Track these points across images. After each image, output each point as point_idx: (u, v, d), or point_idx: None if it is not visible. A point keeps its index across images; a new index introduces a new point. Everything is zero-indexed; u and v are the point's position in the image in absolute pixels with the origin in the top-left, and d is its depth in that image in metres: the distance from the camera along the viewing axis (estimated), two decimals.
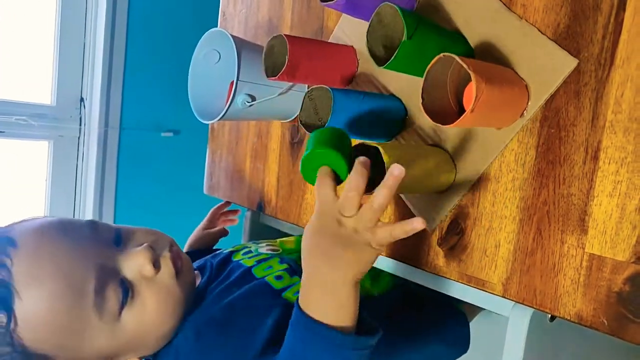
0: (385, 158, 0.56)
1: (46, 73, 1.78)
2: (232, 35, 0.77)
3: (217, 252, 0.81)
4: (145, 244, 0.60)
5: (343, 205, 0.50)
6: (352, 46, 0.76)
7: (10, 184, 1.82)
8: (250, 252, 0.78)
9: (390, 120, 0.69)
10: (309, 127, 0.65)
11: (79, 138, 1.83)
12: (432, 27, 0.59)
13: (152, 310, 0.59)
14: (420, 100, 0.54)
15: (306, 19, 0.85)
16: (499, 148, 0.60)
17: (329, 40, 0.80)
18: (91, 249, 0.57)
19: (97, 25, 1.78)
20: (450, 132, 0.64)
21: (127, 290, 0.57)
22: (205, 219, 1.02)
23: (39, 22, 1.77)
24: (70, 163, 1.83)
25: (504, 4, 0.59)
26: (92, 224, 0.60)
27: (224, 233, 1.02)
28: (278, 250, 0.79)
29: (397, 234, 0.50)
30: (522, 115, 0.58)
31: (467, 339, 0.82)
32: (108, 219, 1.83)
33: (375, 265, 0.66)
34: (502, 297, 0.59)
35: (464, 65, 0.49)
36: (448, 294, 0.68)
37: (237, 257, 0.76)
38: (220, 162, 1.07)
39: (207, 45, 0.86)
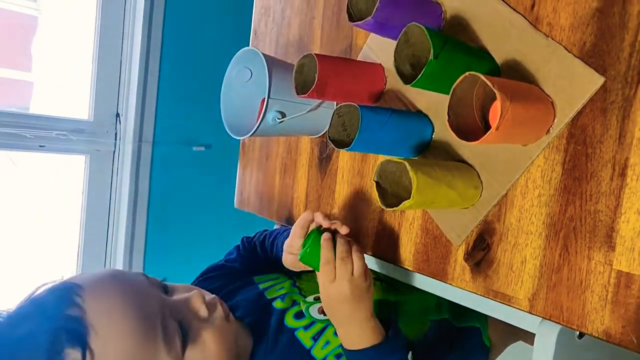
0: (411, 174, 0.57)
1: (84, 89, 1.85)
2: (264, 54, 0.80)
3: (265, 300, 0.77)
4: (195, 290, 0.65)
5: (323, 278, 0.67)
6: (380, 64, 0.77)
7: (49, 196, 1.88)
8: (302, 316, 0.76)
9: (417, 137, 0.70)
10: (337, 143, 0.66)
11: (114, 152, 1.89)
12: (458, 46, 0.60)
13: (211, 349, 0.61)
14: (447, 118, 0.55)
15: (335, 38, 0.88)
16: (524, 165, 0.60)
17: (357, 58, 0.82)
18: (150, 291, 0.60)
19: (133, 45, 1.85)
20: (477, 149, 0.65)
21: (187, 331, 0.60)
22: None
23: (78, 41, 1.85)
24: (106, 176, 1.88)
25: (530, 23, 0.60)
26: (143, 274, 0.64)
27: None
28: None
29: (358, 263, 0.67)
30: (548, 132, 0.58)
31: None
32: (140, 231, 1.87)
33: (407, 282, 0.79)
34: (529, 313, 0.59)
35: (489, 84, 0.50)
36: (476, 309, 0.68)
37: (291, 324, 0.74)
38: (250, 178, 1.10)
39: (240, 63, 0.89)
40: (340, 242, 0.67)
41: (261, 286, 0.80)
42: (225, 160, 1.89)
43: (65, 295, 0.54)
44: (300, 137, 0.96)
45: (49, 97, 1.91)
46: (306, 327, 0.73)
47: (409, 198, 0.57)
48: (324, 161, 0.89)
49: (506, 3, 0.62)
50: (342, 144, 0.66)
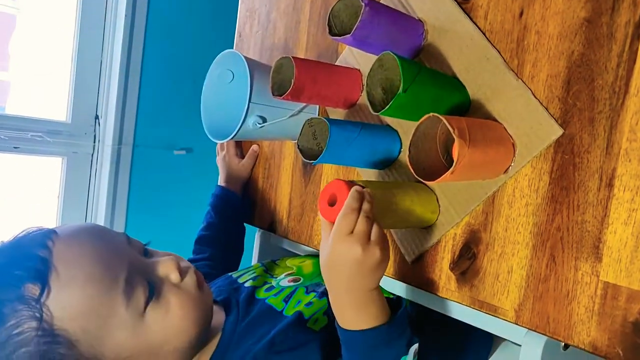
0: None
1: (63, 90, 1.81)
2: (245, 57, 0.79)
3: (237, 284, 0.79)
4: (171, 255, 0.65)
5: (341, 226, 0.56)
6: (358, 70, 0.76)
7: (23, 199, 1.83)
8: (272, 287, 0.77)
9: (384, 153, 0.70)
10: (306, 153, 0.66)
11: (92, 155, 1.84)
12: (430, 78, 0.60)
13: (175, 313, 0.60)
14: (407, 153, 0.55)
15: (321, 42, 0.87)
16: (482, 197, 0.61)
17: (338, 60, 0.81)
18: (125, 249, 0.61)
19: (114, 45, 1.81)
20: None
21: (154, 289, 0.59)
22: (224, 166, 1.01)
23: (57, 41, 1.81)
24: (83, 179, 1.84)
25: (504, 61, 0.60)
26: (125, 234, 0.64)
27: (255, 157, 1.00)
28: (299, 280, 0.78)
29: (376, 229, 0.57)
30: (506, 171, 0.59)
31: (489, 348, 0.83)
32: None
33: (391, 291, 0.75)
34: (515, 324, 0.58)
35: (450, 129, 0.51)
36: (460, 319, 0.67)
37: (262, 295, 0.74)
38: None
39: (221, 65, 0.87)
40: (366, 198, 0.57)
41: (234, 275, 0.82)
42: (206, 165, 1.86)
43: (39, 237, 0.57)
44: (284, 142, 0.94)
45: (26, 97, 1.86)
46: (276, 294, 0.74)
47: None
48: (308, 166, 0.88)
49: (486, 37, 0.62)
50: (311, 153, 0.65)
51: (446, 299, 0.65)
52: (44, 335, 0.53)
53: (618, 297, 0.51)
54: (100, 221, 1.81)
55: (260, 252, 1.02)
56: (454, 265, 0.64)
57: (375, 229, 0.56)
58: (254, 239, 1.03)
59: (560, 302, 0.55)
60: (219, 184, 1.01)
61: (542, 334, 0.56)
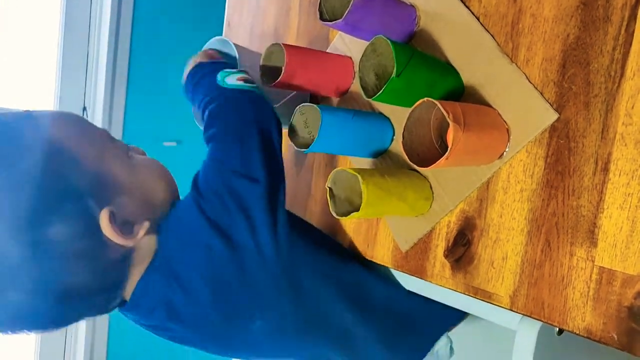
0: (363, 187, 0.57)
1: (49, 81, 1.78)
2: (234, 43, 0.77)
3: None
4: None
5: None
6: (350, 57, 0.75)
7: None
8: None
9: (377, 142, 0.70)
10: (297, 142, 0.65)
11: None
12: (423, 62, 0.59)
13: (151, 161, 0.70)
14: (401, 139, 0.55)
15: (312, 30, 0.85)
16: (475, 184, 0.61)
17: (328, 48, 0.80)
18: None
19: (100, 35, 1.79)
20: None
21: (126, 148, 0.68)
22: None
23: (43, 31, 1.78)
24: None
25: (498, 45, 0.59)
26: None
27: None
28: None
29: None
30: (501, 157, 0.59)
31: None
32: None
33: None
34: (510, 310, 0.58)
35: (444, 113, 0.50)
36: (454, 306, 0.67)
37: None
38: None
39: None
40: None
41: None
42: (196, 157, 1.84)
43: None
44: None
45: (12, 89, 1.83)
46: None
47: (362, 204, 0.57)
48: (300, 154, 0.87)
49: (479, 21, 0.61)
50: (302, 142, 0.65)
51: (440, 286, 0.65)
52: (51, 154, 0.58)
53: (613, 281, 0.50)
54: None
55: None
56: (449, 253, 0.64)
57: None
58: None
59: (555, 288, 0.54)
60: None
61: (537, 319, 0.56)
